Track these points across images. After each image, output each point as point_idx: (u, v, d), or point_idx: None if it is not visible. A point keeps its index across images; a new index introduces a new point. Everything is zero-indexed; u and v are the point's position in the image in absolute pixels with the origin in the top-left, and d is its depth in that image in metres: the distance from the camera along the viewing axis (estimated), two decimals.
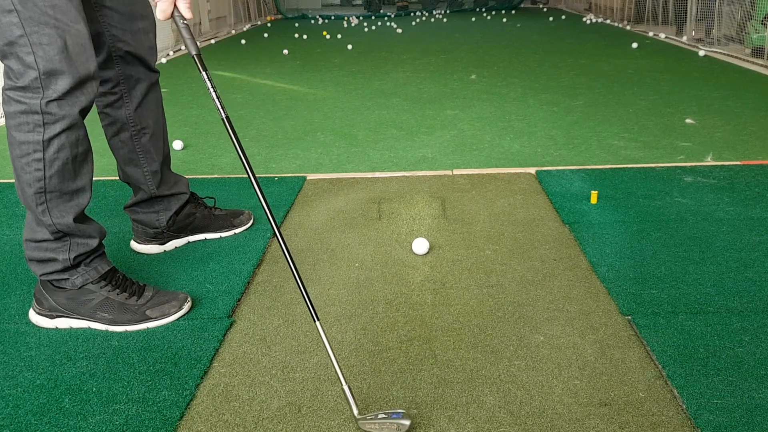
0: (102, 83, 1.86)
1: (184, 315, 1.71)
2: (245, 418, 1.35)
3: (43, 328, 1.69)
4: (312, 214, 2.42)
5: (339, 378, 1.32)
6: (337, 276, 1.93)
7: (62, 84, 1.49)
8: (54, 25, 1.46)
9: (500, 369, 1.48)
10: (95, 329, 1.67)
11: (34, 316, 1.70)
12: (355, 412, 1.30)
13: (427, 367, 1.49)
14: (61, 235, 1.62)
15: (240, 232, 2.23)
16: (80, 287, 1.66)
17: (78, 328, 1.68)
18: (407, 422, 1.25)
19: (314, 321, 1.39)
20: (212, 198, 2.29)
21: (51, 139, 1.52)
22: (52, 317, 1.68)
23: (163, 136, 2.03)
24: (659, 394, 1.38)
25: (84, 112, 1.57)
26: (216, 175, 2.90)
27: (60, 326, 1.68)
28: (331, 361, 1.34)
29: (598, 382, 1.42)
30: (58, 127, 1.52)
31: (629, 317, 1.66)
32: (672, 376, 1.42)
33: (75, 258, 1.64)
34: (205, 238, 2.19)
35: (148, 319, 1.67)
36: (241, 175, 2.87)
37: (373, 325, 1.67)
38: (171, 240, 2.13)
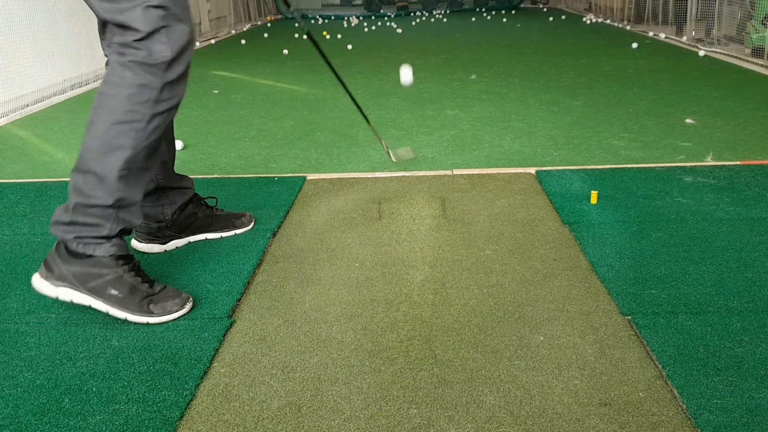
0: None
1: (185, 314, 1.71)
2: (245, 418, 1.35)
3: (44, 293, 1.69)
4: (312, 214, 2.42)
5: (376, 136, 1.81)
6: (337, 276, 1.93)
7: (179, 69, 1.63)
8: (187, 23, 1.63)
9: (500, 369, 1.48)
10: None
11: (38, 281, 1.70)
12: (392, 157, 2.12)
13: (427, 366, 1.49)
14: (119, 206, 1.66)
15: (241, 233, 2.23)
16: (108, 255, 1.68)
17: (78, 306, 1.68)
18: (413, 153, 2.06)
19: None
20: (214, 198, 2.30)
21: (156, 115, 1.64)
22: (57, 285, 1.68)
23: (171, 132, 2.04)
24: (659, 394, 1.38)
25: (182, 98, 1.69)
26: (216, 175, 2.90)
27: (61, 297, 1.68)
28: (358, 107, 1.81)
29: (598, 382, 1.42)
30: (164, 106, 1.64)
31: (629, 317, 1.66)
32: (672, 376, 1.42)
33: (120, 231, 1.69)
34: (206, 238, 2.19)
35: (150, 313, 1.68)
36: (240, 175, 2.87)
37: (373, 324, 1.67)
38: (172, 240, 2.13)
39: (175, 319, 1.70)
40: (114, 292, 1.67)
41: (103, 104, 1.63)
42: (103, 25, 1.86)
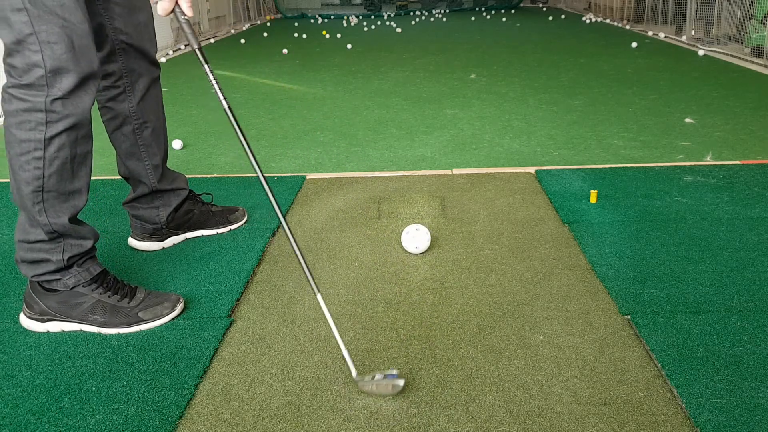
0: (105, 77, 1.86)
1: (176, 316, 1.70)
2: (245, 417, 1.35)
3: (34, 331, 1.67)
4: (311, 213, 2.42)
5: (338, 343, 1.43)
6: (336, 275, 1.93)
7: (67, 82, 1.49)
8: (62, 24, 1.47)
9: (500, 368, 1.48)
10: (89, 331, 1.67)
11: (25, 321, 1.68)
12: (354, 373, 1.41)
13: (426, 366, 1.49)
14: (55, 236, 1.60)
15: (235, 228, 2.24)
16: (72, 288, 1.65)
17: (70, 332, 1.67)
18: (401, 382, 1.37)
19: (315, 293, 1.47)
20: (209, 194, 2.31)
21: (52, 137, 1.52)
22: (43, 321, 1.66)
23: (164, 131, 2.04)
24: (658, 394, 1.38)
25: (86, 111, 1.56)
26: (215, 174, 2.90)
27: (51, 330, 1.67)
28: (331, 328, 1.44)
29: (598, 381, 1.42)
30: (60, 126, 1.52)
31: (628, 316, 1.66)
32: (671, 375, 1.42)
33: (69, 259, 1.63)
34: (202, 235, 2.20)
35: (140, 321, 1.66)
36: (240, 174, 2.87)
37: (372, 324, 1.67)
38: (169, 237, 2.14)
39: (167, 323, 1.69)
40: (96, 317, 1.65)
41: (5, 139, 1.55)
42: None
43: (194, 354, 1.55)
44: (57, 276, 1.64)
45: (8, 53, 1.49)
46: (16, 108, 1.50)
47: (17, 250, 1.64)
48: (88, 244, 1.67)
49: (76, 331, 1.67)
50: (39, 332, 1.67)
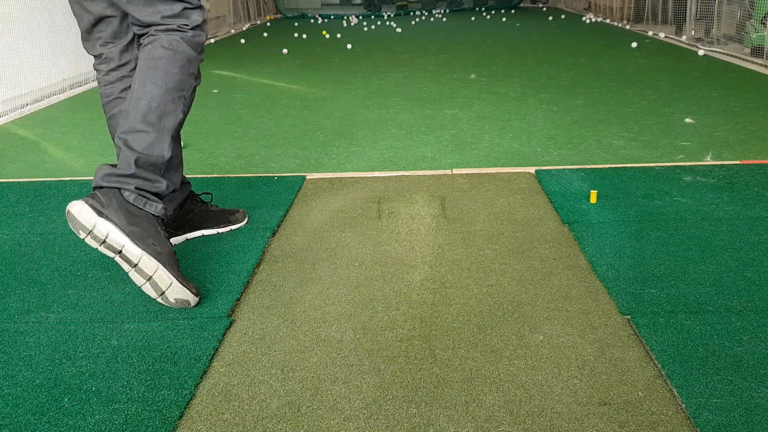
0: (122, 66, 1.99)
1: (193, 305, 1.74)
2: (245, 417, 1.35)
3: (80, 218, 1.62)
4: (311, 213, 2.42)
5: None
6: (336, 275, 1.93)
7: (203, 56, 1.90)
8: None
9: (500, 368, 1.48)
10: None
11: (80, 205, 1.63)
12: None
13: (426, 366, 1.49)
14: (169, 166, 1.82)
15: (236, 228, 2.25)
16: (155, 216, 1.75)
17: (113, 245, 1.64)
18: None
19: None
20: (209, 194, 2.31)
21: (193, 88, 1.88)
22: (100, 215, 1.64)
23: None
24: (658, 394, 1.38)
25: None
26: (215, 174, 2.90)
27: (98, 226, 1.62)
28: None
29: (598, 381, 1.42)
30: (196, 82, 1.89)
31: (628, 316, 1.66)
32: (671, 375, 1.42)
33: (168, 186, 1.82)
34: (203, 234, 2.20)
35: (177, 275, 1.71)
36: (240, 175, 2.87)
37: (372, 324, 1.67)
38: (170, 237, 2.14)
39: (186, 300, 1.72)
40: (155, 245, 1.69)
41: (159, 72, 1.79)
42: (92, 26, 1.90)
43: (194, 354, 1.55)
44: (157, 199, 1.78)
45: (188, 26, 1.82)
46: (182, 55, 1.81)
47: (118, 167, 1.74)
48: (176, 183, 1.89)
49: (114, 246, 1.65)
50: (84, 221, 1.63)
